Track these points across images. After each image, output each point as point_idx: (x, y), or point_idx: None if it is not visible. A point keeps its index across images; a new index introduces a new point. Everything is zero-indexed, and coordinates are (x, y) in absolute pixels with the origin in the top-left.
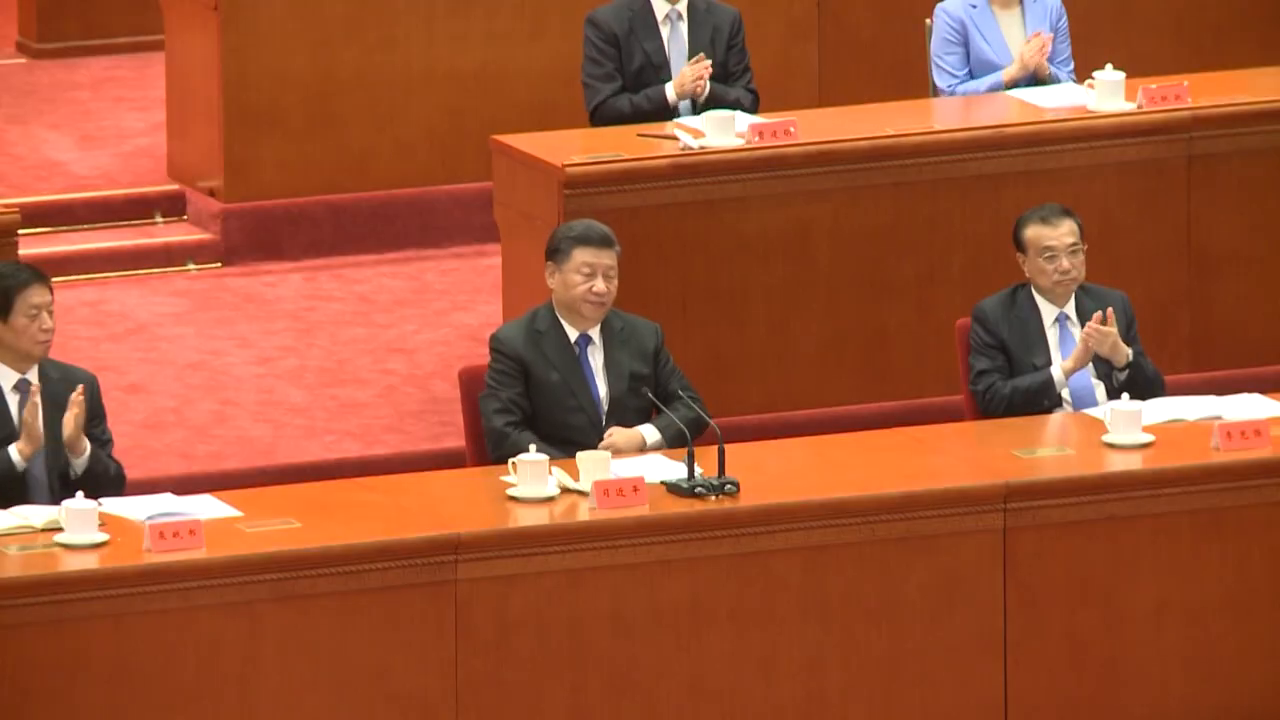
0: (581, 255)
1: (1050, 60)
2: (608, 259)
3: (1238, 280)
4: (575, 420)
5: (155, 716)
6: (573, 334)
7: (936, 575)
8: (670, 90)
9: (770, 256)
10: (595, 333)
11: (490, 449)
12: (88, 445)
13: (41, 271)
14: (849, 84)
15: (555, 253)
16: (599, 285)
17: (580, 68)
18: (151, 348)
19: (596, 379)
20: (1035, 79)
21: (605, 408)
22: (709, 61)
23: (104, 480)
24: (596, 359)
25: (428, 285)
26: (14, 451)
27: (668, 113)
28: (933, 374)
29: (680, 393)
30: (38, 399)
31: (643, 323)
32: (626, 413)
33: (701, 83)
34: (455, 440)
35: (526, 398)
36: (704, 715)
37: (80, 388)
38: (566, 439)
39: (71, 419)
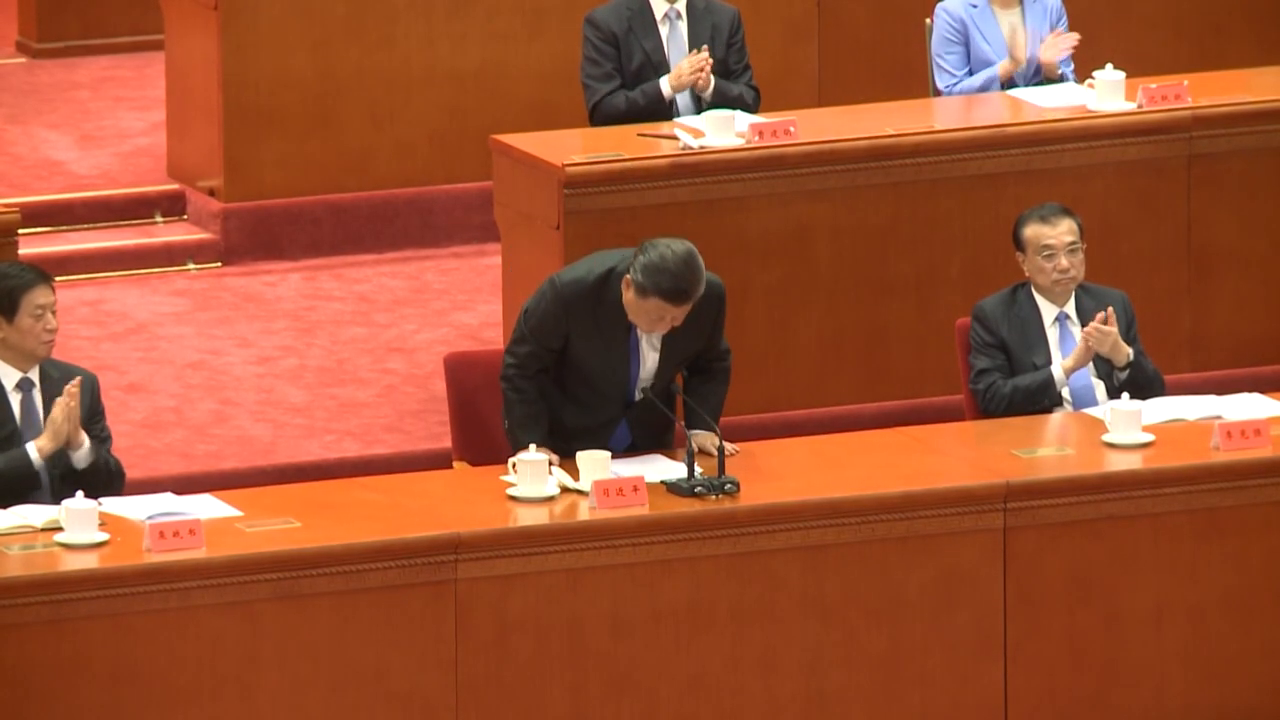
0: (658, 309)
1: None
2: (680, 311)
3: (1238, 280)
4: (606, 389)
5: (155, 716)
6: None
7: (936, 575)
8: (665, 84)
9: (770, 256)
10: None
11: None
12: (86, 439)
13: (45, 272)
14: (849, 84)
15: (636, 284)
16: (665, 327)
17: (580, 68)
18: (151, 347)
19: (643, 363)
20: (1043, 75)
21: (638, 384)
22: (708, 56)
23: (104, 477)
24: (653, 341)
25: (428, 285)
26: (33, 449)
27: (664, 107)
28: (933, 374)
29: (707, 351)
30: (77, 392)
31: (710, 289)
32: (659, 384)
33: (703, 75)
34: None
35: (556, 351)
36: (704, 715)
37: (77, 380)
38: (589, 401)
39: (68, 409)
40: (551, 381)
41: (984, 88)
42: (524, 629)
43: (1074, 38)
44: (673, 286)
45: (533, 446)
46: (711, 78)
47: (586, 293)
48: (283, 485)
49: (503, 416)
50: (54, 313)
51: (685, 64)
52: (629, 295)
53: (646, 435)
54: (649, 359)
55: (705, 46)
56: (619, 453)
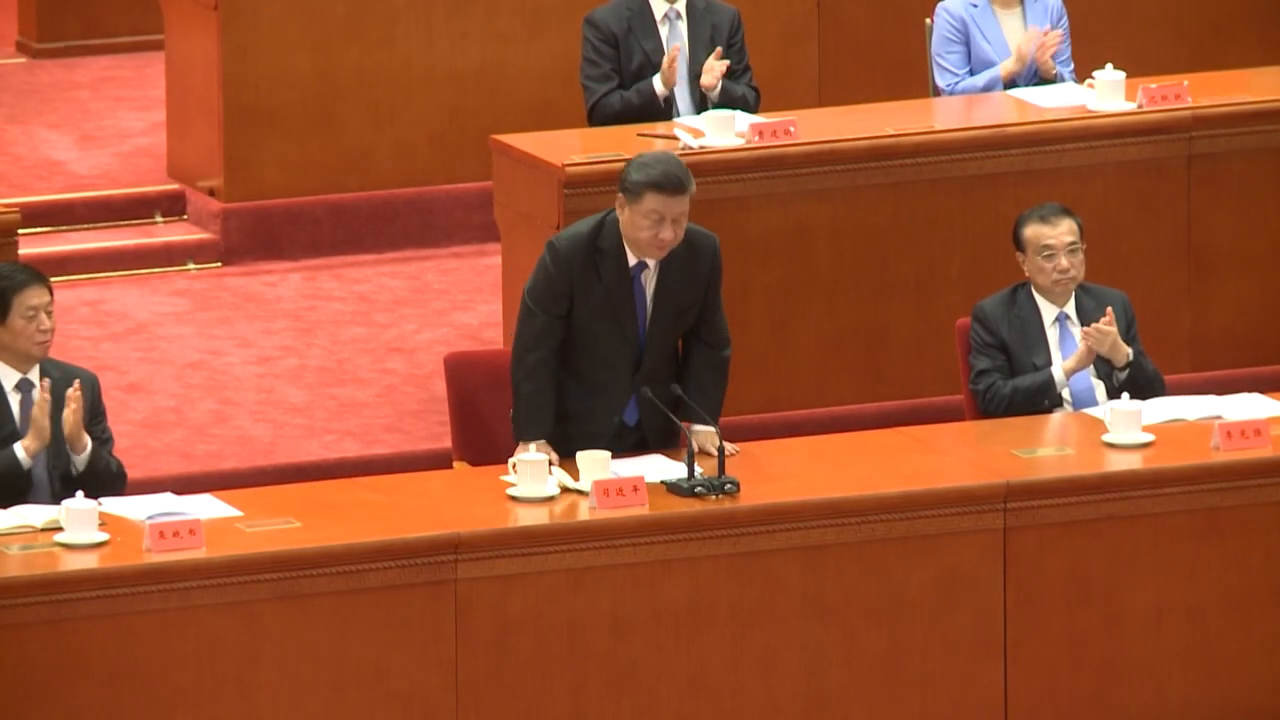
0: (653, 201)
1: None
2: (679, 206)
3: (1238, 280)
4: (615, 344)
5: (155, 716)
6: (632, 259)
7: (936, 575)
8: (658, 83)
9: (770, 256)
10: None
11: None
12: (89, 441)
13: (39, 272)
14: (849, 84)
15: (626, 189)
16: (666, 233)
17: (579, 68)
18: (151, 347)
19: (647, 305)
20: (1039, 77)
21: (647, 337)
22: (726, 61)
23: (105, 478)
24: (650, 284)
25: (428, 285)
26: (20, 449)
27: (657, 105)
28: (933, 374)
29: (704, 316)
30: (46, 395)
31: (702, 239)
32: (667, 339)
33: (714, 76)
34: None
35: (565, 317)
36: (704, 715)
37: (77, 383)
38: (599, 362)
39: (71, 415)
40: (561, 365)
41: (986, 88)
42: (524, 629)
43: (1046, 32)
44: (664, 173)
45: (533, 446)
46: (720, 81)
47: (583, 243)
48: (283, 485)
49: (512, 409)
50: (49, 314)
51: (672, 51)
52: (625, 215)
53: (653, 414)
54: (651, 302)
55: (719, 50)
56: (629, 429)
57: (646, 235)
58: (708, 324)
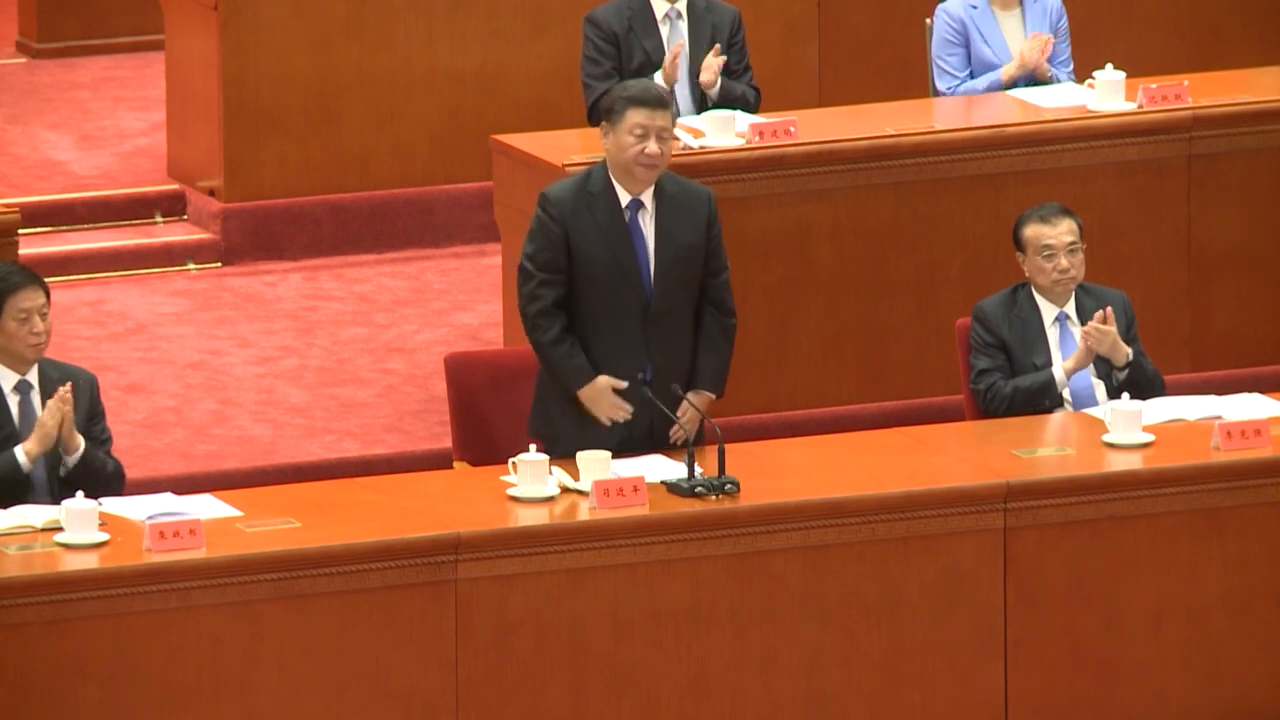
0: (635, 116)
1: (1050, 60)
2: (662, 120)
3: (1238, 280)
4: (621, 292)
5: (155, 716)
6: (625, 198)
7: (936, 575)
8: (658, 80)
9: (770, 256)
10: (648, 197)
11: (532, 339)
12: (81, 442)
13: (35, 274)
14: (849, 84)
15: (609, 113)
16: (652, 147)
17: (579, 67)
18: (151, 347)
19: (648, 247)
20: (1035, 79)
21: (653, 281)
22: (724, 58)
23: (99, 478)
24: (648, 226)
25: (428, 285)
26: (21, 453)
27: None
28: (933, 374)
29: (711, 279)
30: (70, 397)
31: (696, 188)
32: (674, 285)
33: (712, 74)
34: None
35: (565, 272)
36: (704, 715)
37: (68, 385)
38: (609, 315)
39: (65, 418)
40: (572, 326)
41: (987, 90)
42: (524, 629)
43: (1047, 38)
44: (643, 88)
45: (597, 381)
46: (719, 78)
47: (573, 188)
48: (283, 485)
49: (546, 377)
50: (44, 316)
51: (675, 48)
52: (610, 141)
53: (668, 359)
54: (652, 242)
55: (717, 46)
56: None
57: (633, 152)
58: (715, 280)
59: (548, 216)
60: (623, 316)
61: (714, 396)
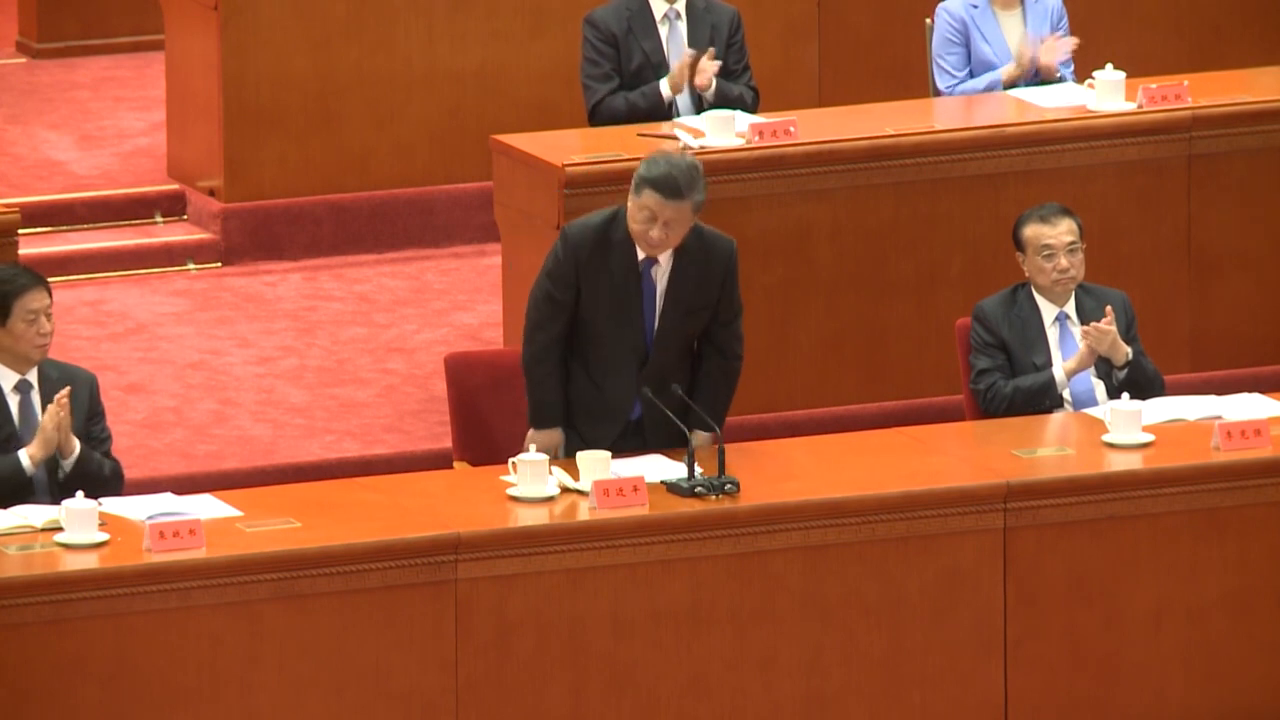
0: (648, 199)
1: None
2: (671, 211)
3: (1238, 280)
4: (622, 341)
5: (155, 716)
6: (641, 254)
7: (936, 575)
8: (665, 86)
9: (770, 256)
10: (664, 255)
11: (524, 354)
12: (77, 444)
13: (39, 275)
14: (849, 84)
15: (634, 181)
16: (655, 233)
17: (579, 68)
18: (151, 347)
19: (655, 307)
20: (1041, 78)
21: (654, 338)
22: (719, 61)
23: (95, 480)
24: (660, 283)
25: (428, 285)
26: (24, 456)
27: (663, 109)
28: (933, 374)
29: (721, 327)
30: (67, 402)
31: (718, 242)
32: (674, 341)
33: (707, 77)
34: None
35: (573, 307)
36: (704, 715)
37: (66, 390)
38: (604, 358)
39: (57, 418)
40: (570, 358)
41: (987, 90)
42: (524, 629)
43: (1073, 41)
44: (664, 174)
45: (532, 446)
46: (714, 78)
47: (594, 232)
48: (283, 485)
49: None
50: (49, 316)
51: (706, 64)
52: (629, 204)
53: (655, 413)
54: (660, 302)
55: (711, 50)
56: (632, 425)
57: (637, 229)
58: (724, 329)
59: (563, 253)
60: (618, 360)
61: (711, 436)
